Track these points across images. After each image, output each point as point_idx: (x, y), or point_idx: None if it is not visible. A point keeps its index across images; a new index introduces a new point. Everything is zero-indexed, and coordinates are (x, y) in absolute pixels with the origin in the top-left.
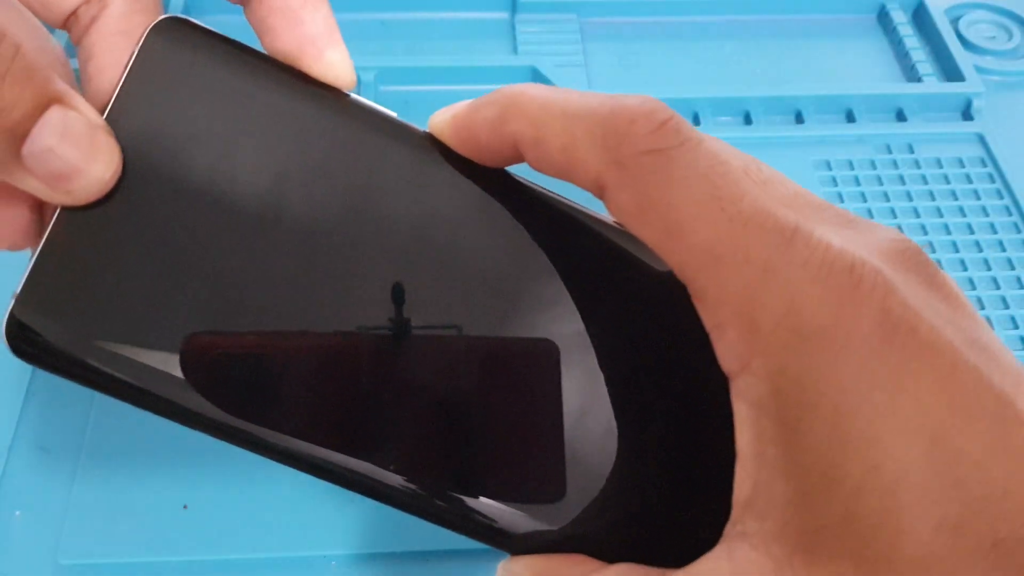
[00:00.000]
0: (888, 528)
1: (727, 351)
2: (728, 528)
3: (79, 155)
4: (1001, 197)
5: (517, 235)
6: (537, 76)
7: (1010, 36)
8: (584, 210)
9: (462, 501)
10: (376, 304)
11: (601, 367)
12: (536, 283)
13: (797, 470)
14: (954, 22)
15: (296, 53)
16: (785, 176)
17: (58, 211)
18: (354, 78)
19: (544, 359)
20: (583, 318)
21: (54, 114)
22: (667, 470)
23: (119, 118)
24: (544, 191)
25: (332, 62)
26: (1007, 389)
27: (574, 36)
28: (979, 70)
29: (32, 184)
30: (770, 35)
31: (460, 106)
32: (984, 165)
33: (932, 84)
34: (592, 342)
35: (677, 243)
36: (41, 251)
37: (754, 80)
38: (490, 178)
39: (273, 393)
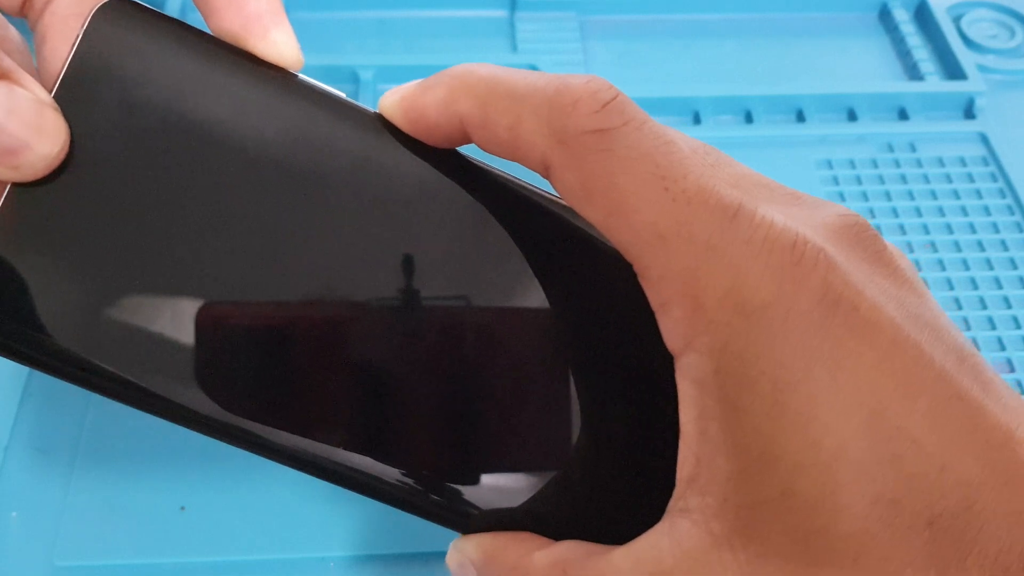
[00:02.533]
0: (825, 505)
1: (672, 329)
2: (671, 504)
3: (26, 130)
4: (1003, 196)
5: (465, 216)
6: None
7: (1012, 34)
8: (533, 189)
9: (411, 481)
10: (323, 287)
11: (548, 347)
12: (484, 264)
13: (737, 447)
14: (956, 20)
15: (241, 33)
16: (734, 159)
17: (7, 189)
18: (300, 58)
19: (493, 340)
20: (531, 298)
21: (0, 90)
22: (613, 448)
23: (67, 96)
24: (493, 171)
25: (276, 41)
26: (948, 366)
27: (574, 34)
28: (981, 69)
29: None
30: (771, 33)
31: (409, 86)
32: (986, 164)
33: (934, 83)
34: (539, 322)
35: (621, 222)
36: None
37: (755, 78)
38: (439, 158)
39: (226, 374)
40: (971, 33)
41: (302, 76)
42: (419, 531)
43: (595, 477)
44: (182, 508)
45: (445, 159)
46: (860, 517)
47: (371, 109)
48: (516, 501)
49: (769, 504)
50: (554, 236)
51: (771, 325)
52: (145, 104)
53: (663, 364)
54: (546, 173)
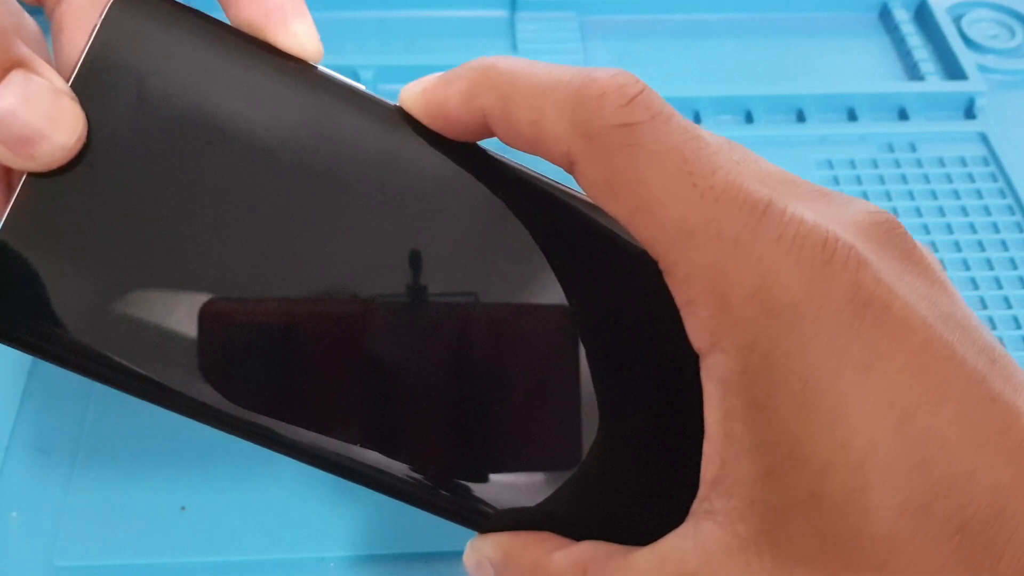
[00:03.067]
0: (854, 507)
1: (697, 328)
2: (695, 506)
3: (42, 120)
4: (1004, 196)
5: (487, 211)
6: None
7: (1013, 35)
8: (556, 185)
9: (428, 478)
10: (340, 281)
11: (570, 345)
12: (505, 260)
13: (764, 448)
14: (956, 20)
15: (261, 23)
16: (758, 156)
17: (23, 179)
18: (321, 49)
19: (514, 337)
20: (552, 295)
21: (17, 78)
22: (637, 448)
23: (84, 86)
24: (516, 166)
25: (297, 32)
26: (980, 367)
27: (574, 34)
28: (982, 69)
29: None
30: (771, 33)
31: (430, 79)
32: (987, 164)
33: (934, 83)
34: (561, 319)
35: (647, 218)
36: (6, 219)
37: (755, 79)
38: (460, 153)
39: (241, 369)
40: (971, 33)
41: (322, 68)
42: (419, 531)
43: (616, 477)
44: (182, 508)
45: (466, 153)
46: (889, 521)
47: (391, 102)
48: (535, 500)
49: (796, 506)
50: (577, 233)
51: (800, 324)
52: (163, 95)
53: (688, 363)
54: (570, 168)
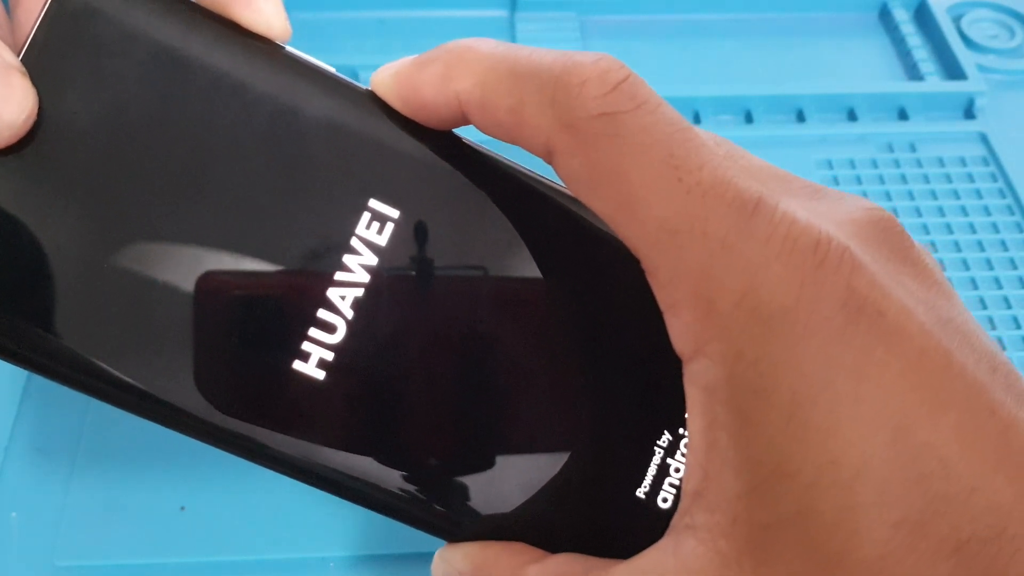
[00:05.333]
0: (844, 527)
1: (681, 333)
2: (676, 519)
3: None
4: (1003, 196)
5: (461, 204)
6: None
7: (1012, 35)
8: (535, 177)
9: (393, 483)
10: (318, 268)
11: (546, 346)
12: (480, 257)
13: (749, 461)
14: (956, 20)
15: None
16: (747, 151)
17: None
18: (288, 28)
19: (487, 339)
20: (529, 295)
21: None
22: (617, 455)
23: (36, 61)
24: (493, 156)
25: (262, 9)
26: (980, 376)
27: (574, 34)
28: (981, 69)
29: None
30: (771, 33)
31: (403, 62)
32: (986, 164)
33: (934, 83)
34: (539, 322)
35: (629, 216)
36: None
37: (755, 78)
38: (435, 141)
39: (196, 360)
40: (971, 33)
41: (289, 48)
42: (419, 531)
43: (594, 485)
44: (182, 508)
45: (441, 142)
46: (882, 541)
47: (363, 86)
48: (508, 507)
49: (783, 524)
50: (555, 228)
51: (790, 331)
52: (120, 72)
53: (670, 368)
54: (549, 159)
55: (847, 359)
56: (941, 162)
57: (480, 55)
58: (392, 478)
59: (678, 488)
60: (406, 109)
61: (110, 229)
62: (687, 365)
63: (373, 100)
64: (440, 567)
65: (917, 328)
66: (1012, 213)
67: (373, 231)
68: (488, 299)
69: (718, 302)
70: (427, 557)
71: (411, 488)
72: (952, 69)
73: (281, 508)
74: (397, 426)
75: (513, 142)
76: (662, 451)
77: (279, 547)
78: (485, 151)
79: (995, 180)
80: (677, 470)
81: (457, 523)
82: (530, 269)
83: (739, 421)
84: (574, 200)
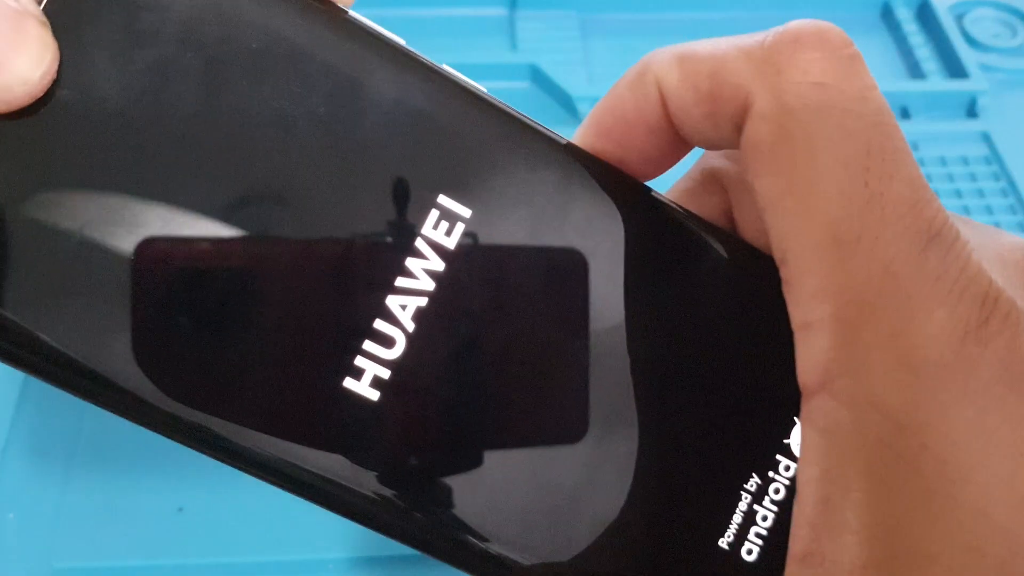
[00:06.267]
0: None
1: (809, 359)
2: None
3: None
4: (1006, 196)
5: (542, 203)
6: (537, 73)
7: (1015, 33)
8: (627, 176)
9: (451, 530)
10: (373, 276)
11: (629, 380)
12: (560, 262)
13: (878, 532)
14: (959, 19)
15: None
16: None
17: None
18: None
19: (550, 358)
20: (615, 314)
21: None
22: (698, 499)
23: (59, 11)
24: (579, 148)
25: None
26: None
27: (574, 33)
28: (984, 68)
29: None
30: None
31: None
32: (989, 163)
33: (936, 81)
34: (620, 347)
35: (798, 203)
36: None
37: None
38: (515, 130)
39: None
40: (973, 32)
41: (353, 13)
42: None
43: (671, 531)
44: (180, 509)
45: (522, 131)
46: None
47: (447, 68)
48: (568, 556)
49: None
50: (651, 232)
51: (944, 390)
52: (159, 31)
53: (770, 401)
54: (737, 129)
55: (1005, 434)
56: (943, 161)
57: (674, 47)
58: (448, 520)
59: (764, 539)
60: (611, 143)
61: (140, 220)
62: (808, 400)
63: (441, 77)
64: None
65: None
66: (1015, 212)
67: (441, 231)
68: (559, 311)
69: (864, 335)
70: (424, 559)
71: (464, 533)
72: (954, 68)
73: (279, 510)
74: (459, 462)
75: (703, 118)
76: (749, 496)
77: (278, 549)
78: (568, 142)
79: (998, 179)
80: (764, 518)
81: (508, 567)
82: (617, 282)
83: (869, 481)
84: (670, 202)
